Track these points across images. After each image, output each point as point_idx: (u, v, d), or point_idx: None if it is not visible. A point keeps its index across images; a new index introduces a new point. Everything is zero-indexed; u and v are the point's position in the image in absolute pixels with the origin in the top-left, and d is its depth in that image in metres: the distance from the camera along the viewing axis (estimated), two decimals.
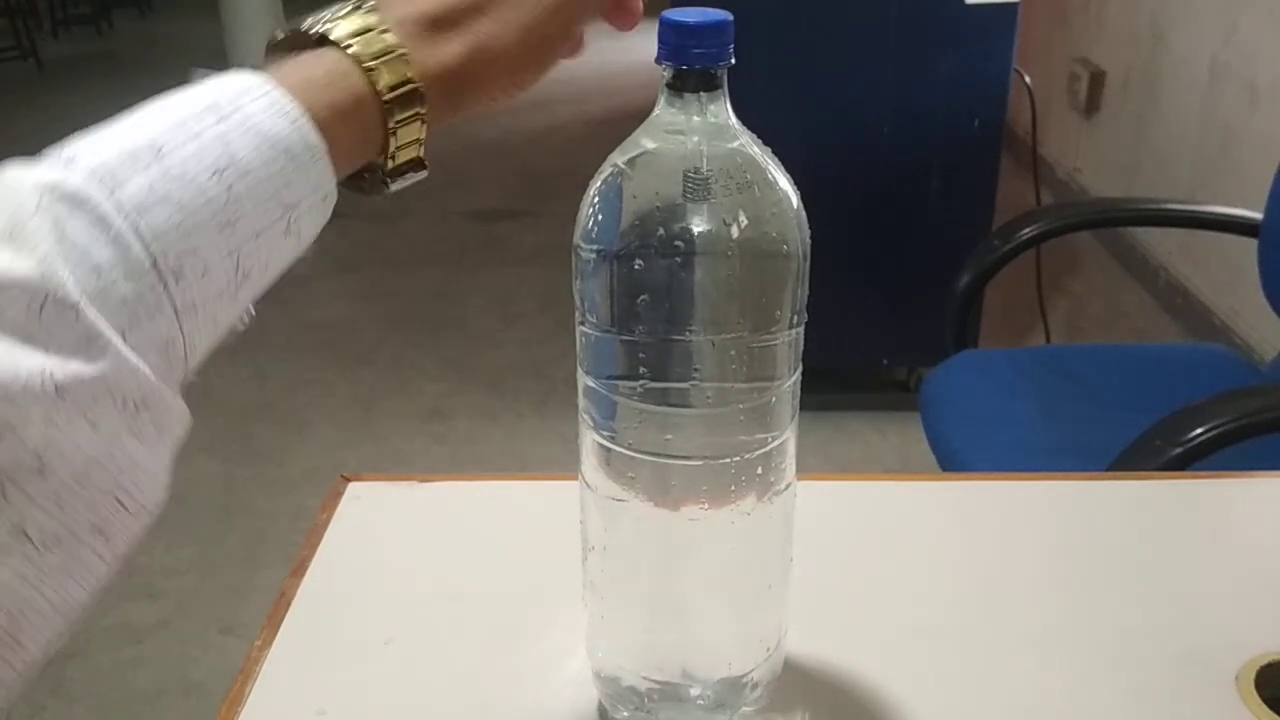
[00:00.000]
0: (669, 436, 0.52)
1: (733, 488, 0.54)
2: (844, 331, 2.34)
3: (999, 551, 0.74)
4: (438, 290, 3.30)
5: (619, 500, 0.55)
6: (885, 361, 2.57)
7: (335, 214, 0.45)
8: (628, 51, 6.58)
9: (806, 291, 0.53)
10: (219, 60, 3.40)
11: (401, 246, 3.61)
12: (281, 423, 2.60)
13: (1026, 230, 1.60)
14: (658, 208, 0.50)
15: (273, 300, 0.48)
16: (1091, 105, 3.49)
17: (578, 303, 0.53)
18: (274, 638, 0.65)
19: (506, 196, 4.06)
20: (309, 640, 0.65)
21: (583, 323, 0.53)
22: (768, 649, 0.59)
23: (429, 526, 0.76)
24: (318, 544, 0.73)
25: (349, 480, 0.79)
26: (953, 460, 1.42)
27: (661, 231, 0.49)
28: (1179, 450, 1.07)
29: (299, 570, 0.71)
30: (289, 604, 0.68)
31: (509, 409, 2.65)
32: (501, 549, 0.74)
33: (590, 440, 0.55)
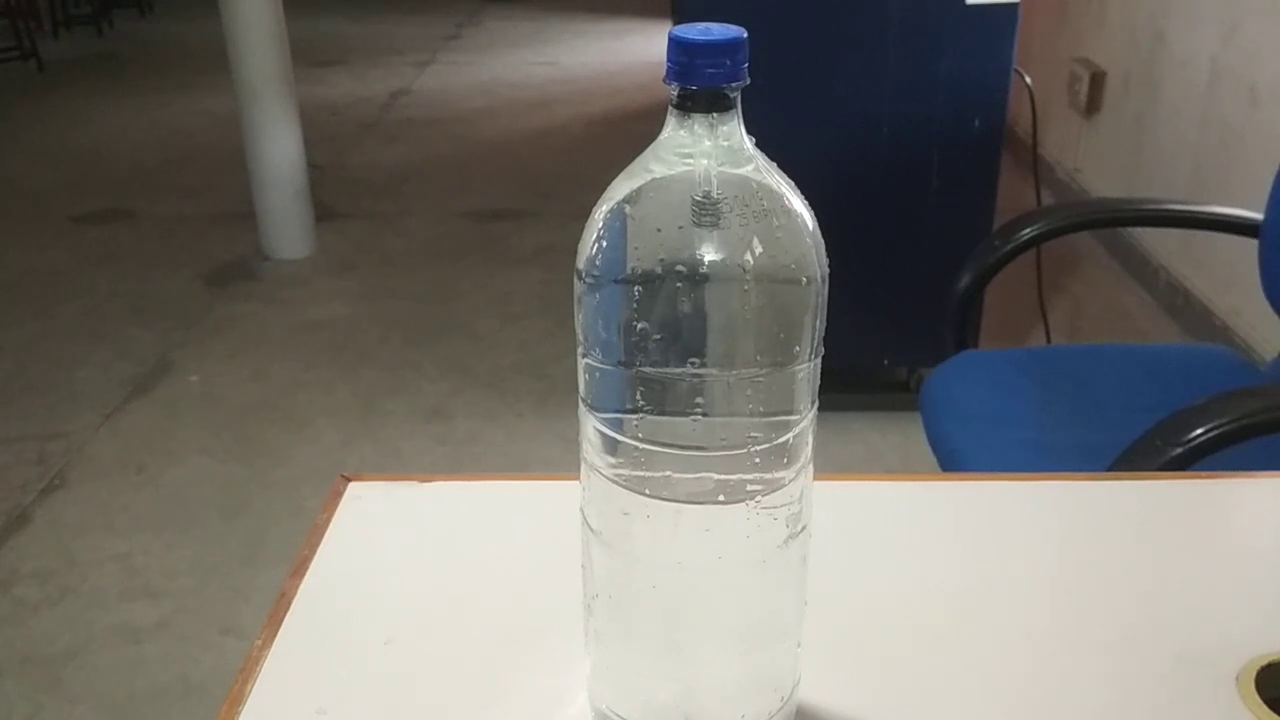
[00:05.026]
0: (680, 477, 0.49)
1: (748, 534, 0.51)
2: (844, 331, 2.33)
3: (999, 551, 0.74)
4: (438, 290, 3.30)
5: (626, 546, 0.52)
6: (885, 361, 2.57)
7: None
8: (628, 51, 6.60)
9: (825, 321, 0.50)
10: (219, 61, 3.40)
11: (401, 246, 3.61)
12: (281, 423, 2.60)
13: (1026, 230, 1.60)
14: (667, 236, 0.47)
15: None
16: (1091, 105, 3.49)
17: (580, 336, 0.50)
18: (274, 638, 0.65)
19: (506, 196, 4.06)
20: (309, 640, 0.65)
21: (586, 356, 0.50)
22: (782, 697, 0.57)
23: (429, 526, 0.76)
24: (318, 544, 0.73)
25: (349, 480, 0.79)
26: (953, 460, 1.42)
27: (671, 260, 0.46)
28: (1179, 450, 1.07)
29: (299, 570, 0.71)
30: (289, 604, 0.68)
31: (509, 409, 2.65)
32: (501, 549, 0.74)
33: (594, 481, 0.52)
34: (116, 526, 2.23)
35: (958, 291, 1.63)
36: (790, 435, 0.51)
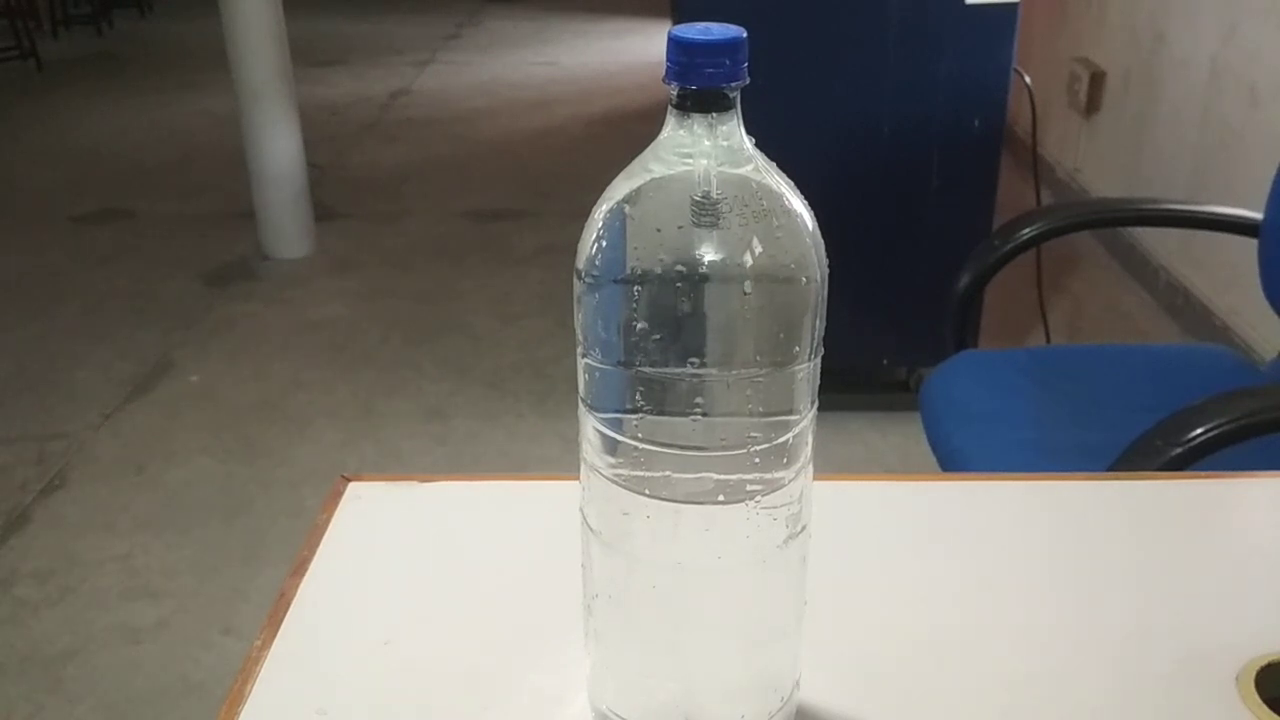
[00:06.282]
0: (680, 477, 0.49)
1: (748, 534, 0.51)
2: (844, 331, 2.33)
3: (999, 551, 0.74)
4: (438, 290, 3.30)
5: (626, 546, 0.52)
6: (885, 361, 2.57)
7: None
8: (628, 51, 6.60)
9: (825, 321, 0.50)
10: (219, 61, 3.40)
11: (401, 246, 3.61)
12: (281, 423, 2.60)
13: (1026, 230, 1.60)
14: (667, 236, 0.47)
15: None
16: (1091, 105, 3.49)
17: (580, 336, 0.50)
18: (274, 638, 0.65)
19: (506, 196, 4.06)
20: (309, 640, 0.65)
21: (586, 356, 0.50)
22: (782, 698, 0.57)
23: (429, 526, 0.76)
24: (318, 544, 0.73)
25: (349, 480, 0.79)
26: (953, 460, 1.42)
27: (671, 260, 0.46)
28: (1179, 450, 1.07)
29: (299, 570, 0.71)
30: (289, 604, 0.68)
31: (509, 409, 2.64)
32: (501, 549, 0.74)
33: (594, 481, 0.52)
34: (116, 526, 2.23)
35: (957, 291, 1.63)
36: (790, 435, 0.51)
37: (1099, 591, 0.70)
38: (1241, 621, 0.66)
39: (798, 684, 0.59)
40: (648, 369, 0.48)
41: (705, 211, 0.47)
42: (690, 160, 0.48)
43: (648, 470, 0.50)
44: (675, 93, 0.47)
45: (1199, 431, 1.08)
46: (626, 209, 0.49)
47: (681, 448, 0.49)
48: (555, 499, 0.69)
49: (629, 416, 0.49)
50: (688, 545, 0.52)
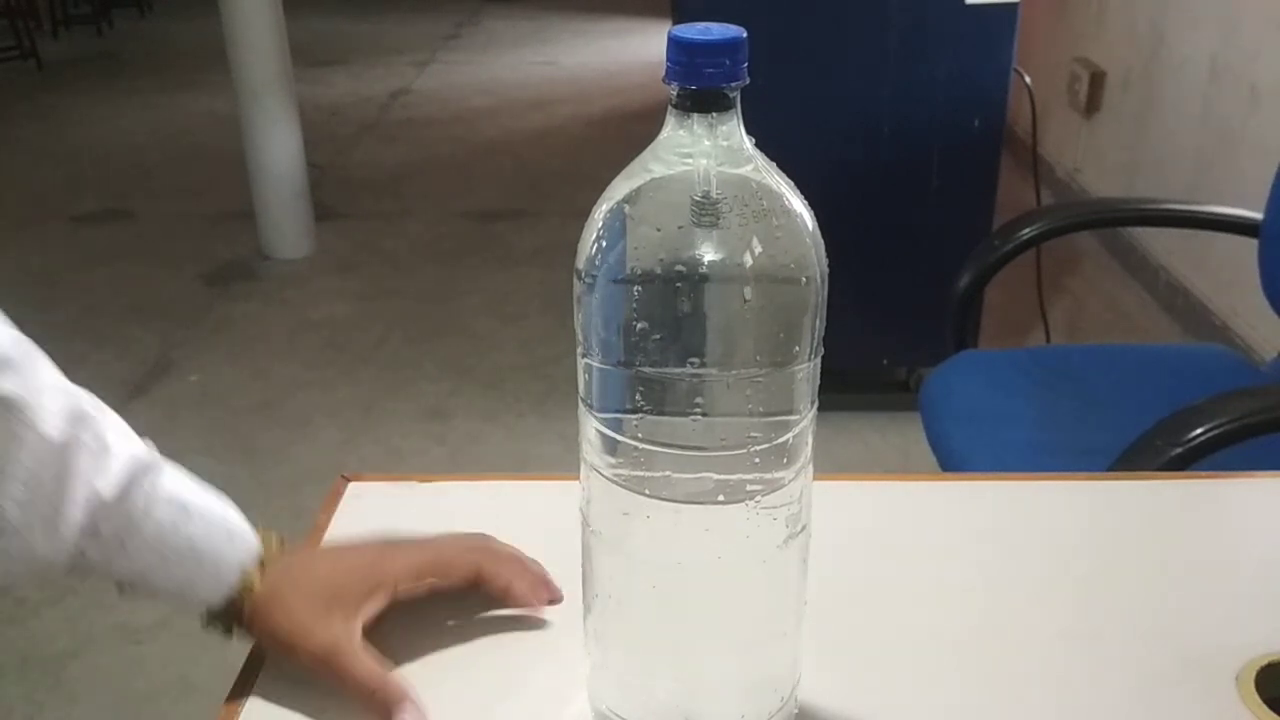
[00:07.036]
0: (680, 477, 0.49)
1: (748, 534, 0.51)
2: (844, 331, 2.32)
3: (999, 551, 0.74)
4: (438, 290, 3.30)
5: (626, 546, 0.52)
6: (885, 361, 2.57)
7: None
8: (628, 51, 6.58)
9: (825, 321, 0.50)
10: (219, 61, 3.40)
11: (401, 246, 3.61)
12: (281, 423, 2.60)
13: (1026, 230, 1.60)
14: (667, 235, 0.47)
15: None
16: (1091, 105, 3.48)
17: (579, 336, 0.50)
18: None
19: (506, 196, 4.06)
20: None
21: (586, 356, 0.50)
22: (781, 698, 0.57)
23: (429, 526, 0.76)
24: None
25: (349, 480, 0.79)
26: (953, 460, 1.42)
27: (670, 260, 0.46)
28: (1179, 450, 1.07)
29: None
30: None
31: (509, 409, 2.64)
32: None
33: (594, 481, 0.52)
34: None
35: (958, 291, 1.62)
36: (790, 435, 0.51)
37: (1099, 591, 0.70)
38: (1241, 621, 0.66)
39: (798, 684, 0.59)
40: (648, 369, 0.48)
41: (705, 211, 0.47)
42: (690, 160, 0.48)
43: (648, 470, 0.50)
44: (675, 93, 0.47)
45: (1199, 431, 1.07)
46: (626, 209, 0.49)
47: (681, 448, 0.49)
48: (555, 499, 0.69)
49: (629, 416, 0.49)
50: (688, 545, 0.52)
